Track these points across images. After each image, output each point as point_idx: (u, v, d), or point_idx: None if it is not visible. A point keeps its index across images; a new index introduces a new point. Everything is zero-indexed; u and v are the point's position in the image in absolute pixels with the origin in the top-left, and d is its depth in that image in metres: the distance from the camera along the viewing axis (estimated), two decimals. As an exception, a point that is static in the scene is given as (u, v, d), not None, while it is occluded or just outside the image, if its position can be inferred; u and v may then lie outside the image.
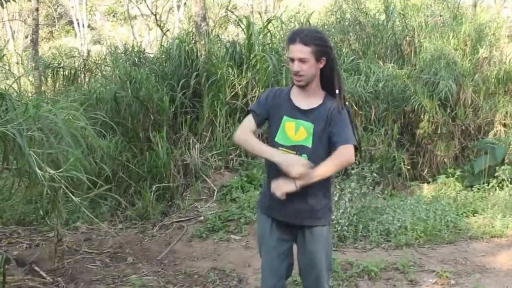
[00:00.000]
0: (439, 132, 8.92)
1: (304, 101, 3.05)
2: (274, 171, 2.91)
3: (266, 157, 2.99)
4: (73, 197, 3.49)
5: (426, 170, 8.97)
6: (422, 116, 8.95)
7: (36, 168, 3.20)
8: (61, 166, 3.60)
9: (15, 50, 18.23)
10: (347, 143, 2.90)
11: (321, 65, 2.99)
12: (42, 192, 4.07)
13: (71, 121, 4.31)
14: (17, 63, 14.72)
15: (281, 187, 2.85)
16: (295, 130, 3.01)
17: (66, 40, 26.29)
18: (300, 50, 2.92)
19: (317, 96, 3.06)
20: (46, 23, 27.00)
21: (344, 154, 2.88)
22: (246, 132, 3.09)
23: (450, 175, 8.36)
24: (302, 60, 2.92)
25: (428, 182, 8.58)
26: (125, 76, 7.60)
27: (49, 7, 26.72)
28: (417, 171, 8.96)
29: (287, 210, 3.02)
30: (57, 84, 9.70)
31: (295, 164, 2.82)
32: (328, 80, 3.05)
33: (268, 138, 3.15)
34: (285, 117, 3.04)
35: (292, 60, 2.96)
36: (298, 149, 2.98)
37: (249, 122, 3.11)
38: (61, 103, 4.49)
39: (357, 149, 2.97)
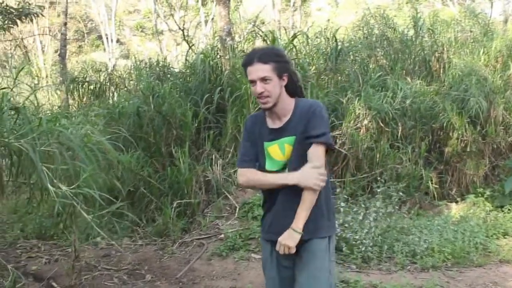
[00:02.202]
0: (468, 150, 8.70)
1: (278, 120, 2.92)
2: (272, 200, 2.92)
3: (281, 184, 2.82)
4: (85, 215, 3.41)
5: (454, 189, 8.75)
6: (451, 134, 8.75)
7: (48, 184, 3.14)
8: (76, 181, 3.54)
9: (44, 64, 18.51)
10: (318, 140, 2.80)
11: (284, 83, 2.86)
12: (59, 207, 4.03)
13: (90, 136, 4.27)
14: (46, 77, 14.94)
15: (286, 245, 2.77)
16: (280, 151, 2.88)
17: (95, 55, 26.69)
18: (260, 69, 2.78)
19: (289, 108, 2.91)
20: (75, 38, 27.50)
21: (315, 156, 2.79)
22: (251, 172, 2.94)
23: (480, 194, 8.12)
24: (264, 80, 2.78)
25: (457, 202, 8.36)
26: (148, 91, 7.59)
27: (79, 22, 27.25)
28: (445, 190, 8.74)
29: (283, 228, 2.81)
30: (84, 98, 9.78)
31: (313, 177, 2.73)
32: (293, 94, 2.95)
33: (259, 168, 2.97)
34: (265, 144, 2.92)
35: (253, 82, 2.81)
36: (288, 166, 2.87)
37: (248, 170, 2.96)
38: (80, 117, 4.43)
39: (330, 145, 2.87)
